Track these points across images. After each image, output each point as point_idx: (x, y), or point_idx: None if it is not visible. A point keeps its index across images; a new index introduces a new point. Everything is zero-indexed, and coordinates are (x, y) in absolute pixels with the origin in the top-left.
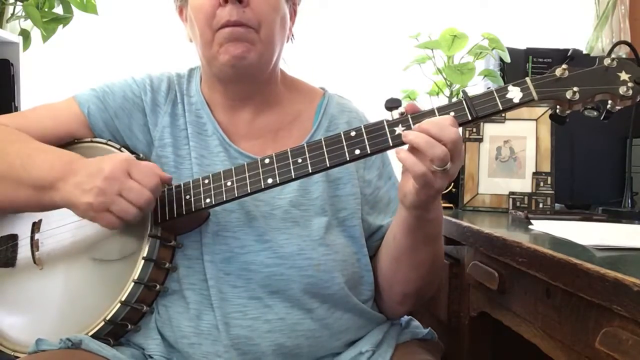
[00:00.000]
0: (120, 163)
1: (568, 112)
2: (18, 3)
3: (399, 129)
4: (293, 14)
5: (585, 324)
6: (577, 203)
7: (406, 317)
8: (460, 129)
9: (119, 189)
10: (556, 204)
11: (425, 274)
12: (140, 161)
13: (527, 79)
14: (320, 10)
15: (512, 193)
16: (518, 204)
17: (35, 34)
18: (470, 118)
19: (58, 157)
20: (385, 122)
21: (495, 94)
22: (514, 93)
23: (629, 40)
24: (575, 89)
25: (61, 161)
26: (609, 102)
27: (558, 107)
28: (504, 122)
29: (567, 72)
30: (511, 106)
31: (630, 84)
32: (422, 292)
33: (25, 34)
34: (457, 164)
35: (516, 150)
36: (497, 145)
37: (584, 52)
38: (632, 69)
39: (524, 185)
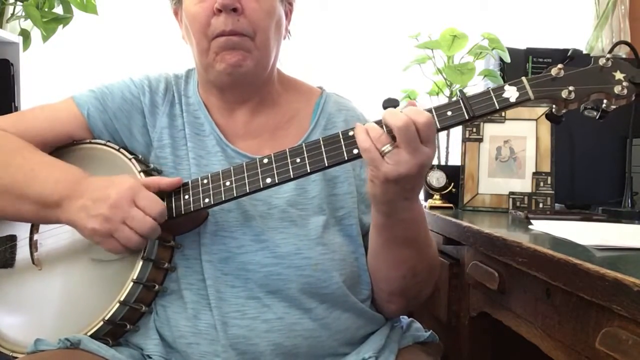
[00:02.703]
0: (125, 191)
1: (564, 111)
2: (18, 3)
3: None
4: (289, 12)
5: (585, 324)
6: (577, 203)
7: (407, 319)
8: (460, 128)
9: (123, 217)
10: (556, 204)
11: (407, 275)
12: (146, 188)
13: (524, 79)
14: (320, 11)
15: (512, 193)
16: (518, 204)
17: (35, 34)
18: (467, 117)
19: (62, 173)
20: (382, 121)
21: (492, 93)
22: (511, 92)
23: (629, 40)
24: (570, 88)
25: (66, 179)
26: (604, 101)
27: (554, 106)
28: (503, 122)
29: (562, 71)
30: (508, 105)
31: (625, 83)
32: (410, 293)
33: (25, 34)
34: (404, 151)
35: (516, 150)
36: (497, 145)
37: (584, 52)
38: (627, 69)
39: (524, 185)
